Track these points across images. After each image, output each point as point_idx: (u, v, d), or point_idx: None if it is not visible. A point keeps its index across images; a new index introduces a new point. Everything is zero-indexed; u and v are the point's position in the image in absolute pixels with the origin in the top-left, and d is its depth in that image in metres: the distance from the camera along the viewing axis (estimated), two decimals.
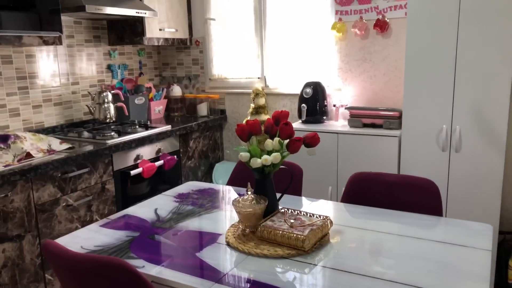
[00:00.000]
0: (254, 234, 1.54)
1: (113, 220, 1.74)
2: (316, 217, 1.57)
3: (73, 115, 3.07)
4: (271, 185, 1.62)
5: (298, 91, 3.23)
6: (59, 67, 2.94)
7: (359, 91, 3.03)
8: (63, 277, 1.31)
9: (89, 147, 2.47)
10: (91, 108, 2.98)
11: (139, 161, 2.77)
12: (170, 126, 3.07)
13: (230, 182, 2.25)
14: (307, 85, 3.00)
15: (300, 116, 3.04)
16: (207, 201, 1.92)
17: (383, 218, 1.68)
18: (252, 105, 3.32)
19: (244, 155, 1.52)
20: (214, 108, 3.61)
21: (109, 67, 3.33)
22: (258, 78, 3.40)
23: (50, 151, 2.39)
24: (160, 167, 2.91)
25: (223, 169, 3.52)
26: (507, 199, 2.69)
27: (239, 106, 3.54)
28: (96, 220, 2.49)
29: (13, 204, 2.05)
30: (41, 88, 2.83)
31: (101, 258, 1.20)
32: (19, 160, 2.21)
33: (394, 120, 2.68)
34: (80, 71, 3.09)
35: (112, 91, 3.06)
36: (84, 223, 2.41)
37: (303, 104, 2.96)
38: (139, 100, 3.32)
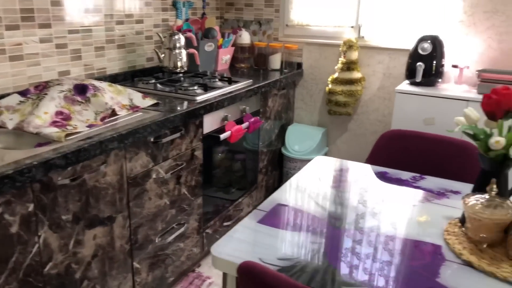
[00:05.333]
0: (491, 248, 1.11)
1: (268, 213, 1.29)
2: None
3: (135, 61, 2.52)
4: (506, 181, 1.17)
5: (400, 46, 2.72)
6: (124, 0, 2.36)
7: (481, 50, 2.54)
8: None
9: (180, 105, 1.97)
10: (159, 53, 2.44)
11: (225, 122, 2.28)
12: (251, 81, 2.56)
13: (370, 160, 1.80)
14: (424, 39, 2.49)
15: (410, 77, 2.55)
16: (372, 188, 1.47)
17: None
18: (342, 60, 2.81)
19: (501, 142, 1.06)
20: (289, 61, 3.08)
21: (174, 4, 2.74)
22: (352, 27, 2.86)
23: (134, 107, 1.88)
24: None
25: (296, 133, 3.05)
26: None
27: (320, 59, 3.01)
28: (185, 194, 2.04)
29: (105, 178, 1.57)
30: (104, 26, 2.26)
31: None
32: (102, 119, 1.70)
33: None
34: (144, 6, 2.51)
35: (184, 35, 2.51)
36: (172, 198, 1.95)
37: (420, 63, 2.46)
38: (209, 47, 2.78)
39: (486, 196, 1.12)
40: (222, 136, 2.20)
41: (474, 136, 1.16)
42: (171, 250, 2.02)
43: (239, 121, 2.42)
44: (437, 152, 1.70)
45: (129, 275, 1.79)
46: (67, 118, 1.63)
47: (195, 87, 2.24)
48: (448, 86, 2.55)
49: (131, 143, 1.66)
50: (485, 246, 1.11)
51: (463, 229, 1.19)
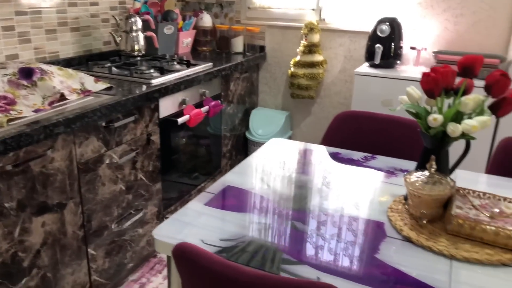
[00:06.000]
0: (431, 224, 1.14)
1: (216, 195, 1.28)
2: (511, 201, 1.18)
3: (91, 45, 2.45)
4: (447, 158, 1.20)
5: (360, 28, 2.73)
6: None
7: (438, 31, 2.57)
8: None
9: (134, 89, 1.93)
10: (115, 37, 2.37)
11: (184, 106, 2.25)
12: (211, 64, 2.53)
13: (325, 141, 1.81)
14: (382, 21, 2.51)
15: (369, 59, 2.57)
16: (321, 169, 1.48)
17: None
18: (304, 43, 2.81)
19: (439, 119, 1.07)
20: (252, 44, 3.05)
21: None
22: (313, 9, 2.84)
23: (85, 91, 1.83)
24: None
25: (261, 117, 3.05)
26: None
27: (282, 42, 3.00)
28: (142, 180, 2.01)
29: (53, 164, 1.53)
30: (55, 7, 2.18)
31: (302, 282, 0.76)
32: (50, 104, 1.65)
33: (492, 69, 2.27)
34: None
35: (142, 17, 2.45)
36: (128, 184, 1.92)
37: (378, 45, 2.48)
38: (168, 30, 2.72)
39: (427, 173, 1.14)
40: (180, 120, 2.17)
41: (416, 115, 1.18)
42: (129, 236, 2.00)
43: (199, 105, 2.39)
44: (388, 132, 1.73)
45: (84, 262, 1.76)
46: (11, 102, 1.57)
47: (151, 70, 2.20)
48: (407, 68, 2.58)
49: (80, 128, 1.61)
50: (425, 221, 1.13)
51: (406, 206, 1.21)
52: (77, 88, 1.82)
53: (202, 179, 2.63)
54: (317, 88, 2.96)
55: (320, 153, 1.62)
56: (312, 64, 2.82)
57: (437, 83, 1.07)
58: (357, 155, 1.62)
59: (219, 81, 2.58)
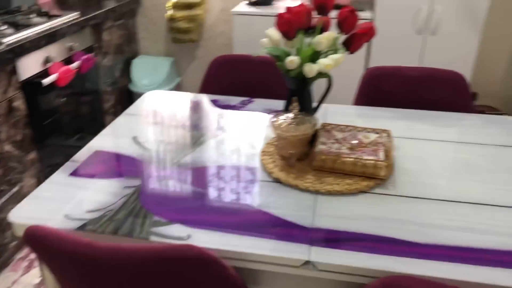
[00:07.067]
0: (300, 162, 1.18)
1: (82, 163, 1.20)
2: (369, 131, 1.26)
3: None
4: (309, 97, 1.23)
5: None
6: None
7: None
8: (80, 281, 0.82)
9: None
10: None
11: (49, 64, 2.04)
12: (78, 13, 2.29)
13: (204, 89, 1.76)
14: None
15: None
16: (198, 120, 1.45)
17: (421, 121, 1.43)
18: None
19: (295, 61, 1.07)
20: None
21: None
22: None
23: None
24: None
25: (143, 66, 2.89)
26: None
27: None
28: (9, 152, 1.82)
29: None
30: None
31: (157, 249, 0.74)
32: None
33: (363, 0, 2.35)
34: None
35: None
36: None
37: None
38: None
39: (291, 114, 1.16)
40: (46, 81, 1.97)
41: (278, 57, 1.17)
42: (6, 214, 1.84)
43: (69, 61, 2.18)
44: (265, 74, 1.73)
45: None
46: None
47: (4, 27, 1.93)
48: (285, 4, 2.57)
49: None
50: (294, 161, 1.17)
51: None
52: None
53: (89, 139, 2.47)
54: (199, 31, 2.86)
55: (200, 102, 1.58)
56: (191, 5, 2.69)
57: (291, 24, 1.06)
58: (235, 100, 1.61)
59: (90, 32, 2.36)
